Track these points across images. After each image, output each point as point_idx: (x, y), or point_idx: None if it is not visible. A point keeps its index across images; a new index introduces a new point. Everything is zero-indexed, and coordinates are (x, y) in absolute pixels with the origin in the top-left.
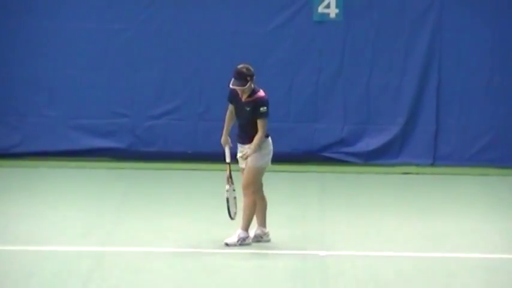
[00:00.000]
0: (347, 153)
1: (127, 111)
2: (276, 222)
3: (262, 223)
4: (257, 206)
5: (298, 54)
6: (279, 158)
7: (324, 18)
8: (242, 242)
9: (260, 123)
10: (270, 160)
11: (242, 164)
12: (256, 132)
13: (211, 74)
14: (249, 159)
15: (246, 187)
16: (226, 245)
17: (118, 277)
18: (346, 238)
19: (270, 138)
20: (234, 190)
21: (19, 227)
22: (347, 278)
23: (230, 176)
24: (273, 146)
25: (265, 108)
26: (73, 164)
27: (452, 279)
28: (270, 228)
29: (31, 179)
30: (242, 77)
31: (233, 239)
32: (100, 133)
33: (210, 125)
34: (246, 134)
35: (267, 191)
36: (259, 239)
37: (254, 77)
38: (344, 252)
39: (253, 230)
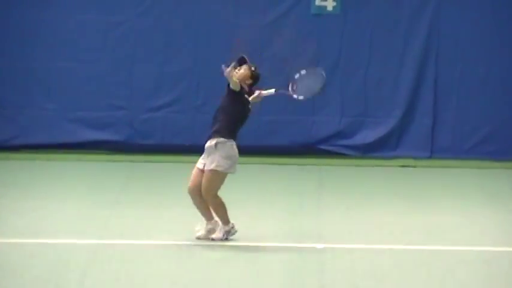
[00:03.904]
0: (344, 146)
1: (125, 104)
2: (273, 215)
3: (210, 217)
4: (204, 204)
5: (296, 46)
6: (276, 151)
7: (322, 11)
8: (227, 235)
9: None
10: (233, 167)
11: (200, 165)
12: (222, 121)
13: (210, 67)
14: (209, 160)
15: (205, 193)
16: (213, 239)
17: (115, 269)
18: (344, 231)
19: (234, 143)
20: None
21: (16, 219)
22: (344, 271)
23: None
24: (271, 138)
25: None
26: (70, 156)
27: (450, 272)
28: (267, 220)
29: (28, 172)
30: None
31: (218, 234)
32: (98, 125)
33: (208, 117)
34: (217, 123)
35: (264, 183)
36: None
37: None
38: (341, 245)
39: (204, 227)
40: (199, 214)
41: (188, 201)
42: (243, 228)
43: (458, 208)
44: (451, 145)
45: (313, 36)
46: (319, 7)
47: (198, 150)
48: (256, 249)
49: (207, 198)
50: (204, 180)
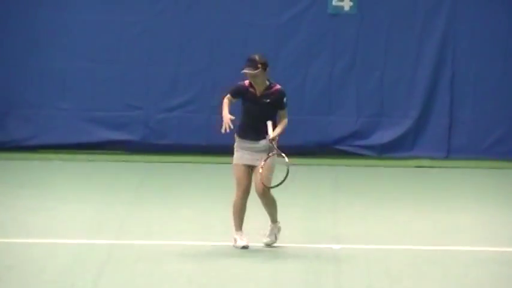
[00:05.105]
0: (361, 146)
1: (140, 104)
2: (289, 215)
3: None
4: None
5: (312, 46)
6: (292, 151)
7: (339, 11)
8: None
9: (285, 113)
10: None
11: (255, 162)
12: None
13: (225, 67)
14: (270, 159)
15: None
16: (268, 245)
17: (130, 270)
18: (360, 231)
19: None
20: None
21: (32, 219)
22: (360, 272)
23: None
24: (287, 138)
25: (286, 98)
26: (86, 156)
27: (466, 272)
28: (283, 221)
29: (44, 172)
30: (253, 63)
31: (271, 238)
32: (113, 125)
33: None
34: (257, 130)
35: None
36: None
37: (268, 68)
38: (357, 245)
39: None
40: (220, 215)
41: (203, 201)
42: (259, 229)
43: (474, 208)
44: (467, 145)
45: (329, 35)
46: (336, 7)
47: (213, 151)
48: (272, 249)
49: (268, 191)
50: (270, 175)
